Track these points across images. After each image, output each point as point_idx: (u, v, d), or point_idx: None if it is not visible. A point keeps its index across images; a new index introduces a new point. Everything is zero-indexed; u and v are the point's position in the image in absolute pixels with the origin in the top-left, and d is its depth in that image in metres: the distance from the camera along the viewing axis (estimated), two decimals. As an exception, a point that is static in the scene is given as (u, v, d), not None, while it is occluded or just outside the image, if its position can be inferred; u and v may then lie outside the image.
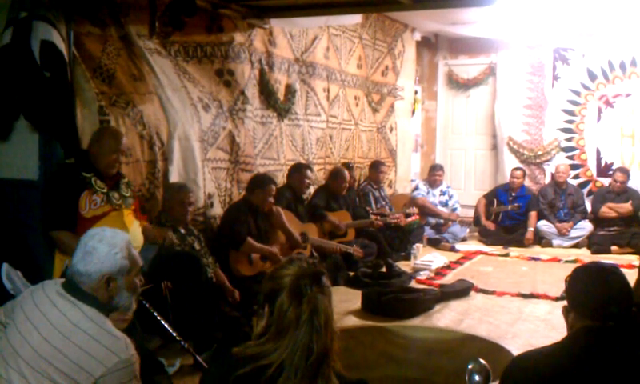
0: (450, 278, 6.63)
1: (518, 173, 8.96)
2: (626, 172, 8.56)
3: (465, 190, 10.09)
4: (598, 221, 8.55)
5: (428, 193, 8.86)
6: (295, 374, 1.77)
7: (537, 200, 8.86)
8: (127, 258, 2.40)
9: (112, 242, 2.38)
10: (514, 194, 8.88)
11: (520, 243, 8.52)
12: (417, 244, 7.47)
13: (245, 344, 1.88)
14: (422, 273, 6.72)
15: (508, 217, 8.82)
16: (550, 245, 8.57)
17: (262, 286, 1.94)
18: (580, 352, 2.00)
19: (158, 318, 3.77)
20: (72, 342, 2.21)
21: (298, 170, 6.54)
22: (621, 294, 2.06)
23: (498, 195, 9.02)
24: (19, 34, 4.01)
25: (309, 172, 6.58)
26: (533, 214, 8.70)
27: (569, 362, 1.98)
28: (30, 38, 4.00)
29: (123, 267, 2.38)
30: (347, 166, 7.72)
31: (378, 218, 7.45)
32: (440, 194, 8.93)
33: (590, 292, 2.08)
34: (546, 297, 5.90)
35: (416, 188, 9.07)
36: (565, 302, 2.19)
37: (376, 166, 8.21)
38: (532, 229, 8.62)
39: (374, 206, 7.88)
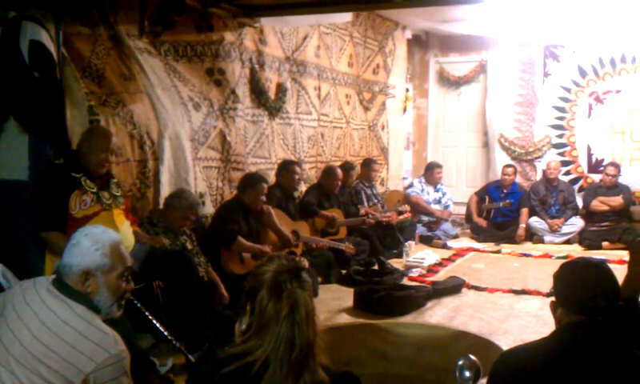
0: (441, 275, 6.65)
1: (509, 170, 9.00)
2: (617, 166, 8.60)
3: (456, 187, 10.12)
4: (589, 217, 8.59)
5: (422, 190, 8.87)
6: (281, 368, 1.78)
7: (528, 197, 8.90)
8: (108, 257, 2.39)
9: (96, 239, 2.39)
10: (505, 191, 8.92)
11: (511, 240, 8.56)
12: (409, 241, 7.49)
13: (229, 343, 1.89)
14: (414, 270, 6.74)
15: (500, 214, 8.86)
16: (541, 241, 8.61)
17: (244, 284, 1.95)
18: (567, 346, 2.01)
19: (150, 317, 3.77)
20: (61, 339, 2.22)
21: (286, 168, 6.53)
22: (607, 288, 2.07)
23: (489, 192, 9.06)
24: (8, 35, 4.00)
25: (297, 168, 6.56)
26: (524, 211, 8.74)
27: (556, 356, 1.99)
28: (19, 38, 3.99)
29: (102, 265, 2.37)
30: (350, 165, 7.74)
31: (370, 215, 7.46)
32: (434, 191, 8.96)
33: (576, 286, 2.09)
34: (537, 293, 5.93)
35: (410, 185, 9.09)
36: (554, 298, 2.21)
37: (368, 164, 8.22)
38: (523, 225, 8.66)
39: (366, 204, 7.89)
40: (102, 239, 2.40)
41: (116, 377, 2.24)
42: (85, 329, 2.24)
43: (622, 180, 8.61)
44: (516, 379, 2.00)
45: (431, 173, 9.00)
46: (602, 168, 8.93)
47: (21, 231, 4.26)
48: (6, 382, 2.20)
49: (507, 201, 8.78)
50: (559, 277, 2.17)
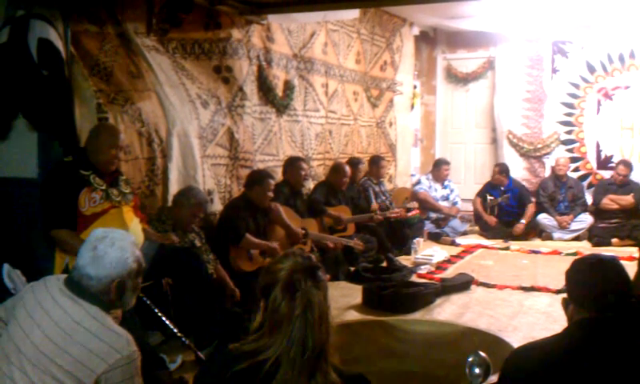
0: (450, 272, 6.64)
1: (496, 169, 8.99)
2: (628, 165, 8.55)
3: (465, 183, 10.08)
4: (598, 213, 8.55)
5: (430, 187, 8.86)
6: (292, 369, 1.76)
7: (529, 193, 8.95)
8: (136, 261, 2.41)
9: (122, 246, 2.39)
10: (502, 189, 8.88)
11: (519, 237, 8.52)
12: (417, 238, 7.47)
13: (240, 340, 1.88)
14: (422, 267, 6.72)
15: (504, 212, 8.82)
16: (550, 238, 8.58)
17: (258, 280, 1.93)
18: (579, 343, 2.00)
19: (159, 314, 3.78)
20: (74, 340, 2.22)
21: (292, 164, 6.51)
22: (618, 284, 2.06)
23: (489, 191, 9.01)
24: (16, 33, 4.00)
25: (303, 164, 6.54)
26: (529, 207, 8.71)
27: (568, 353, 1.98)
28: (28, 36, 3.99)
29: (132, 271, 2.40)
30: (358, 160, 7.73)
31: (378, 212, 7.44)
32: (442, 188, 8.95)
33: (588, 283, 2.08)
34: (546, 290, 5.91)
35: (418, 182, 9.08)
36: (565, 295, 2.20)
37: (375, 161, 8.20)
38: (524, 221, 8.61)
39: (374, 201, 7.86)
40: (127, 246, 2.40)
41: (127, 378, 2.24)
42: (98, 330, 2.25)
43: (632, 177, 8.56)
44: (528, 376, 2.00)
45: (438, 170, 8.99)
46: (611, 164, 8.89)
47: (30, 229, 4.28)
48: (17, 381, 2.20)
49: (505, 195, 8.76)
50: (571, 273, 2.16)
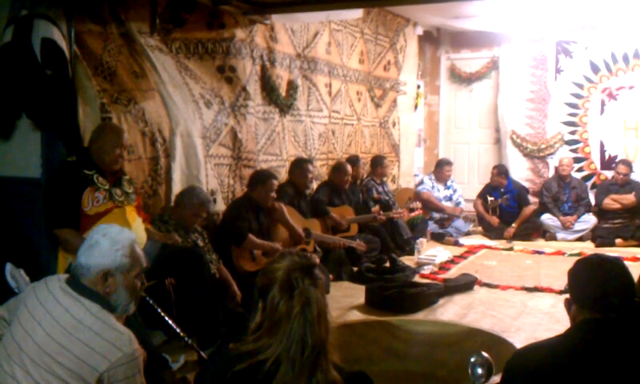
0: (453, 273, 6.63)
1: (494, 170, 8.98)
2: (628, 164, 8.54)
3: (468, 184, 10.06)
4: (602, 214, 8.53)
5: (433, 187, 8.85)
6: (293, 368, 1.76)
7: (528, 193, 8.95)
8: (128, 257, 2.40)
9: (115, 239, 2.40)
10: (502, 190, 8.87)
11: (523, 237, 8.51)
12: (420, 239, 7.46)
13: (241, 340, 1.88)
14: (425, 267, 6.71)
15: (505, 213, 8.80)
16: (554, 238, 8.56)
17: (256, 281, 1.93)
18: (582, 344, 1.99)
19: (162, 314, 3.77)
20: (76, 338, 2.22)
21: (299, 165, 6.53)
22: (621, 286, 2.05)
23: (489, 192, 8.99)
24: (20, 33, 4.01)
25: (310, 166, 6.56)
26: (524, 209, 8.70)
27: (571, 354, 1.98)
28: (31, 36, 4.00)
29: (122, 265, 2.39)
30: (357, 158, 7.73)
31: (381, 212, 7.43)
32: (444, 189, 8.94)
33: (591, 284, 2.07)
34: (549, 290, 5.90)
35: (421, 182, 9.07)
36: (568, 295, 2.19)
37: (378, 161, 8.20)
38: (514, 225, 8.59)
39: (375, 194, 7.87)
40: (121, 239, 2.41)
41: (130, 375, 2.25)
42: (100, 328, 2.25)
43: (634, 176, 8.55)
44: (530, 377, 1.99)
45: (440, 170, 8.97)
46: (615, 165, 8.87)
47: (34, 229, 4.29)
48: (20, 379, 2.21)
49: (505, 196, 8.76)
50: (573, 274, 2.15)
